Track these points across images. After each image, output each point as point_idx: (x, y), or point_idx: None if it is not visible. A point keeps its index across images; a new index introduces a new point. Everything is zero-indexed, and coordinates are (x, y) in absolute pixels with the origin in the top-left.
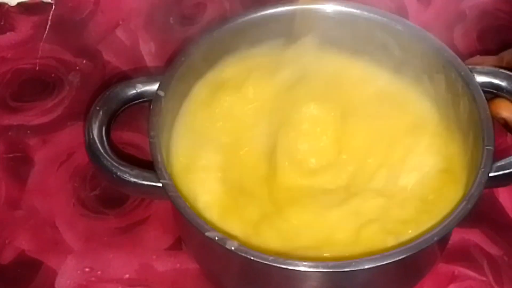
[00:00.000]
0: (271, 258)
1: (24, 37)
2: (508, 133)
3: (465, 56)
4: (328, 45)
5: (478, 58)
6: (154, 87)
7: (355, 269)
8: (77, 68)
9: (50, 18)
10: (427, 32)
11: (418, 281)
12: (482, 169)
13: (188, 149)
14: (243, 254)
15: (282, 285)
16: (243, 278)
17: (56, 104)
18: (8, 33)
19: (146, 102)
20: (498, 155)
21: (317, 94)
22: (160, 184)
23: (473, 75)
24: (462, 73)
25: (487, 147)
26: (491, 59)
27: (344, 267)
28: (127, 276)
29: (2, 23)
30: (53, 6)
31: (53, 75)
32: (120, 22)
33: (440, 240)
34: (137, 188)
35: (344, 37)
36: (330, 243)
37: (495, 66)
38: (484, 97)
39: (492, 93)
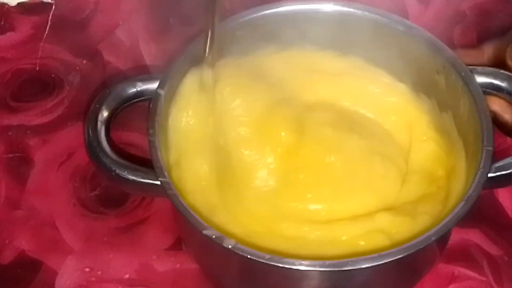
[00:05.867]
0: (267, 256)
1: (24, 37)
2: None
3: None
4: (328, 45)
5: (459, 51)
6: (154, 85)
7: (352, 268)
8: (77, 68)
9: (50, 18)
10: (428, 33)
11: (418, 281)
12: (481, 170)
13: (188, 149)
14: (240, 253)
15: (280, 284)
16: (242, 278)
17: (56, 104)
18: (8, 33)
19: (146, 100)
20: (497, 155)
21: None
22: (158, 182)
23: (473, 76)
24: (463, 73)
25: (486, 147)
26: (472, 51)
27: (342, 266)
28: (127, 276)
29: (2, 23)
30: (53, 6)
31: (53, 75)
32: (120, 22)
33: (439, 240)
34: (136, 186)
35: (344, 37)
36: None
37: (477, 59)
38: (484, 98)
39: (492, 93)
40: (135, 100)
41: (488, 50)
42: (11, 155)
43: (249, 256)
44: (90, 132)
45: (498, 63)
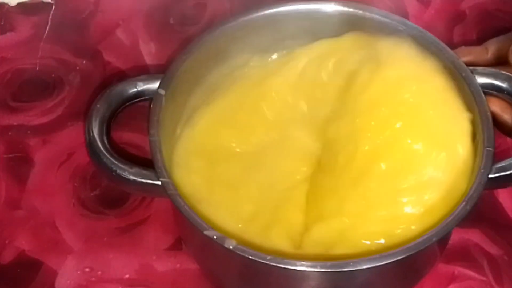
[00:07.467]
0: (269, 257)
1: (24, 37)
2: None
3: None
4: None
5: (463, 49)
6: (155, 85)
7: (353, 269)
8: (77, 68)
9: (50, 18)
10: (428, 33)
11: (418, 281)
12: (482, 170)
13: (190, 149)
14: (241, 253)
15: (281, 284)
16: (243, 278)
17: (56, 104)
18: (8, 33)
19: (147, 100)
20: (498, 156)
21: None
22: (159, 182)
23: (474, 76)
24: (463, 74)
25: (487, 148)
26: (476, 49)
27: (343, 267)
28: (127, 276)
29: (2, 23)
30: (53, 6)
31: (53, 75)
32: (120, 22)
33: (439, 241)
34: (136, 186)
35: None
36: None
37: (480, 56)
38: (484, 99)
39: (493, 94)
40: (136, 100)
41: (492, 47)
42: (11, 155)
43: (250, 257)
44: (90, 132)
45: (502, 61)
